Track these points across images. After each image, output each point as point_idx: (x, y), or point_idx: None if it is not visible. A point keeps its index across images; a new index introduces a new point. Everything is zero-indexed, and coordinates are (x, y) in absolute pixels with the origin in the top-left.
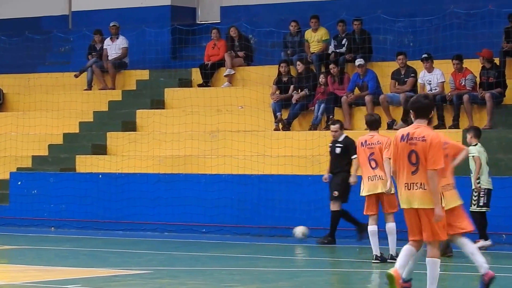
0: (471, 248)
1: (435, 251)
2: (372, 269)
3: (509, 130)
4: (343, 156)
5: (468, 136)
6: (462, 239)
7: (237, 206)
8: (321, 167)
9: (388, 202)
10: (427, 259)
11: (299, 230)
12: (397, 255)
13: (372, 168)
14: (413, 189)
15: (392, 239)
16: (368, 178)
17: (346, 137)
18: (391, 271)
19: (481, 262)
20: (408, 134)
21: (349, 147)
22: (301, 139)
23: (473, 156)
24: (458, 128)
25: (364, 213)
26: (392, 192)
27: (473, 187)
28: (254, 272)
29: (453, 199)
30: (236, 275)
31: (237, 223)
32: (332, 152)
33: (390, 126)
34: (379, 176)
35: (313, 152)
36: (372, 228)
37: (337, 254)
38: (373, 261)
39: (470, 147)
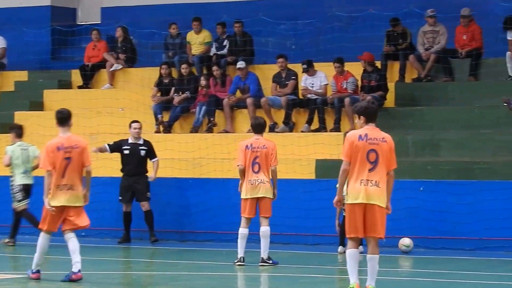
0: None
1: (377, 247)
2: (247, 272)
3: (390, 133)
4: (145, 158)
5: None
6: None
7: (117, 209)
8: (202, 170)
9: (265, 206)
10: (372, 255)
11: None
12: (268, 258)
13: (255, 172)
14: (368, 185)
15: (265, 243)
16: (249, 182)
17: (144, 139)
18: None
19: None
20: (366, 135)
21: (152, 149)
22: (182, 142)
23: None
24: (340, 131)
25: (242, 214)
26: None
27: None
28: (132, 276)
29: None
30: (114, 279)
31: (117, 226)
32: (135, 154)
33: (272, 129)
34: (261, 180)
35: (194, 155)
36: (243, 231)
37: (217, 258)
38: (236, 262)
39: None
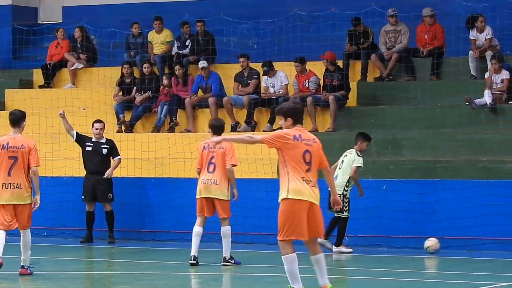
0: None
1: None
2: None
3: (352, 132)
4: (108, 157)
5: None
6: None
7: (79, 209)
8: (164, 170)
9: (220, 207)
10: (319, 255)
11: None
12: (230, 258)
13: (209, 172)
14: (310, 185)
15: (226, 242)
16: (202, 182)
17: (107, 138)
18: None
19: None
20: (300, 135)
21: (115, 148)
22: (143, 141)
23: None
24: None
25: (197, 213)
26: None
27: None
28: (94, 275)
29: None
30: (76, 279)
31: (79, 226)
32: (97, 151)
33: (234, 129)
34: (214, 180)
35: (156, 154)
36: (197, 229)
37: (178, 258)
38: (190, 261)
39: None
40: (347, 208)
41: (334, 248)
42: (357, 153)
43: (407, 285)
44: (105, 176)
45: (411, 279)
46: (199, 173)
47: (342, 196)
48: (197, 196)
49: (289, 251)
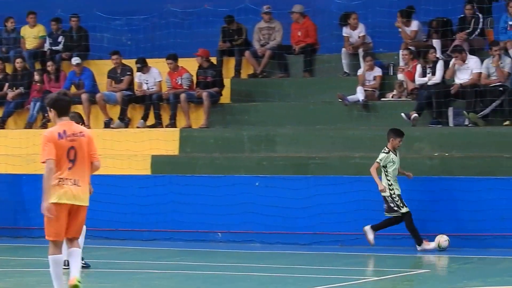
0: None
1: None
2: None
3: (226, 129)
4: None
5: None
6: None
7: None
8: (37, 166)
9: None
10: (75, 249)
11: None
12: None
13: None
14: (74, 184)
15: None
16: None
17: None
18: (74, 281)
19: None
20: (65, 132)
21: None
22: (16, 138)
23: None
24: (175, 127)
25: None
26: None
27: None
28: None
29: None
30: None
31: None
32: None
33: (107, 125)
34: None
35: (28, 151)
36: None
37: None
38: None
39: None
40: (401, 204)
41: (418, 248)
42: (384, 150)
43: (279, 280)
44: None
45: (282, 275)
46: None
47: (389, 196)
48: None
49: (56, 252)
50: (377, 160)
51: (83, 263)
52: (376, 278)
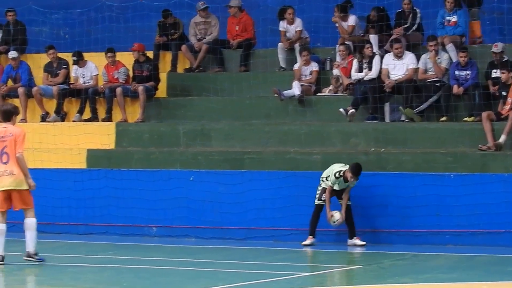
0: None
1: None
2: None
3: (161, 123)
4: None
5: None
6: None
7: None
8: None
9: (22, 198)
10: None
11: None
12: (35, 254)
13: (3, 163)
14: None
15: (30, 236)
16: None
17: None
18: None
19: None
20: None
21: None
22: None
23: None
24: (111, 121)
25: None
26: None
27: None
28: None
29: None
30: None
31: None
32: None
33: (43, 119)
34: (10, 171)
35: None
36: (1, 226)
37: None
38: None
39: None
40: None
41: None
42: (336, 174)
43: (211, 274)
44: None
45: (215, 269)
46: None
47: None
48: None
49: None
50: (329, 184)
51: (36, 258)
52: (307, 274)
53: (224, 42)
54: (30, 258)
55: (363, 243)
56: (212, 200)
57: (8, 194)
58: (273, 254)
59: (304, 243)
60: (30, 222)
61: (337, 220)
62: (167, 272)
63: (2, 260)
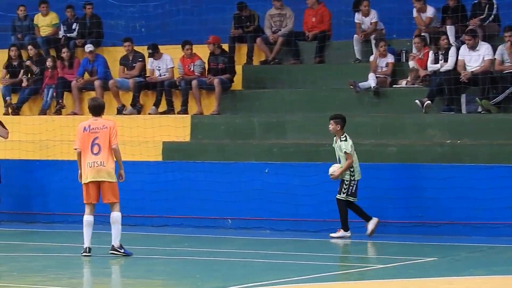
0: None
1: None
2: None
3: (237, 115)
4: None
5: (333, 125)
6: None
7: None
8: (49, 152)
9: (109, 192)
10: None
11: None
12: (120, 247)
13: (94, 154)
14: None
15: (115, 229)
16: (87, 165)
17: None
18: None
19: None
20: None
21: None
22: (29, 124)
23: (345, 152)
24: (187, 113)
25: (84, 201)
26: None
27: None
28: None
29: None
30: None
31: None
32: None
33: (120, 112)
34: (101, 162)
35: (42, 137)
36: (87, 218)
37: (62, 240)
38: (82, 253)
39: (342, 143)
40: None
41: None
42: (343, 138)
43: (282, 266)
44: None
45: (287, 261)
46: (79, 154)
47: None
48: (85, 181)
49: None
50: (349, 152)
51: (122, 251)
52: (380, 266)
53: (299, 34)
54: (115, 252)
55: (338, 234)
56: (287, 192)
57: (97, 186)
58: (346, 246)
59: (332, 235)
60: (116, 215)
61: (330, 175)
62: (240, 264)
63: (89, 252)
